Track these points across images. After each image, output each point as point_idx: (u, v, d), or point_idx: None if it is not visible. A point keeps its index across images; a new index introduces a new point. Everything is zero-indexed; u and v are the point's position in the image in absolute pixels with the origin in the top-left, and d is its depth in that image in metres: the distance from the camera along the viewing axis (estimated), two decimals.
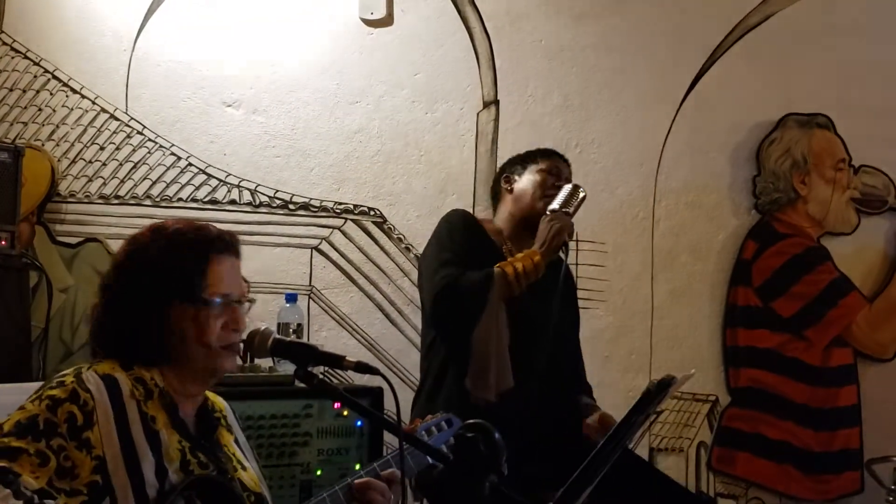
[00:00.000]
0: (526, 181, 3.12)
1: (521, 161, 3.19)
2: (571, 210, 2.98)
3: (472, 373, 2.86)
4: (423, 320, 3.18)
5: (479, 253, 2.98)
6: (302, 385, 1.89)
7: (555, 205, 2.98)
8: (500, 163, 3.81)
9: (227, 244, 1.96)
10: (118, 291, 1.90)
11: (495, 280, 2.86)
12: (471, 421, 1.82)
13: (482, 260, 2.94)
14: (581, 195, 3.01)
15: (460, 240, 3.00)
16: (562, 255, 3.00)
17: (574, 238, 3.81)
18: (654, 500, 2.94)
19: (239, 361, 2.89)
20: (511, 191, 3.14)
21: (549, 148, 3.27)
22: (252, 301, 2.03)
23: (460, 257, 2.93)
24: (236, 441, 2.05)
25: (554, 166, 3.14)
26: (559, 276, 2.98)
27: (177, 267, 1.88)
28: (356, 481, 2.01)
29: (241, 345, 1.94)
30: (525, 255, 2.92)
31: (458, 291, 2.86)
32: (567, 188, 3.02)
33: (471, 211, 3.68)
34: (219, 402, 2.07)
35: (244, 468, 1.99)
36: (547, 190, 3.07)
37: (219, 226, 2.07)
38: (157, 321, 1.87)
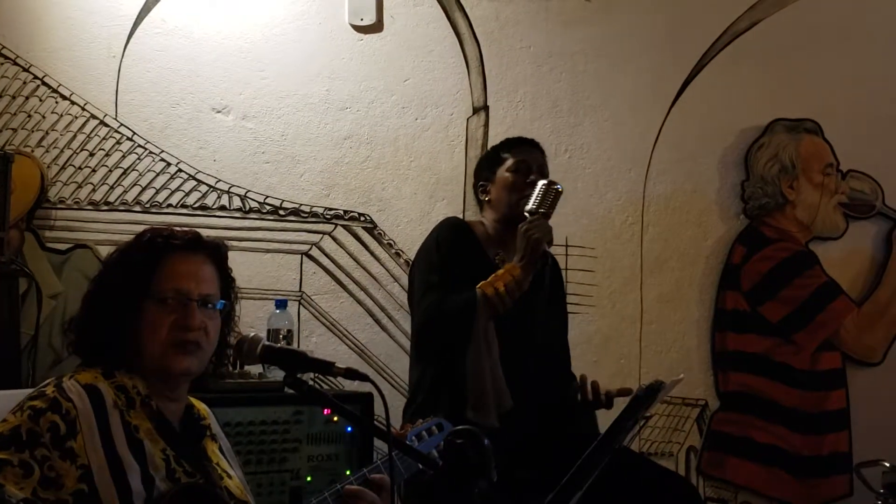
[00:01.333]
0: (498, 187, 3.06)
1: (489, 166, 3.13)
2: (547, 209, 2.89)
3: (472, 402, 2.83)
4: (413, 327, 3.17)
5: (468, 266, 2.95)
6: (292, 391, 1.89)
7: (530, 205, 2.89)
8: None
9: (187, 242, 1.97)
10: (89, 293, 1.97)
11: (478, 305, 2.82)
12: (460, 427, 1.82)
13: (473, 273, 2.91)
14: (555, 191, 2.90)
15: (448, 257, 2.96)
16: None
17: (565, 244, 3.85)
18: (647, 489, 2.93)
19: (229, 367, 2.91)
20: (489, 201, 3.10)
21: (513, 137, 3.22)
22: (228, 303, 2.02)
23: (447, 277, 2.91)
24: (220, 449, 2.04)
25: (521, 161, 3.06)
26: (543, 286, 2.94)
27: (131, 264, 1.93)
28: (347, 488, 2.00)
29: (198, 345, 1.92)
30: (505, 271, 2.86)
31: (440, 321, 2.86)
32: (540, 185, 2.91)
33: (461, 216, 3.70)
34: (203, 408, 2.06)
35: (229, 476, 1.99)
36: (521, 189, 3.00)
37: (209, 232, 2.08)
38: (119, 319, 1.89)
